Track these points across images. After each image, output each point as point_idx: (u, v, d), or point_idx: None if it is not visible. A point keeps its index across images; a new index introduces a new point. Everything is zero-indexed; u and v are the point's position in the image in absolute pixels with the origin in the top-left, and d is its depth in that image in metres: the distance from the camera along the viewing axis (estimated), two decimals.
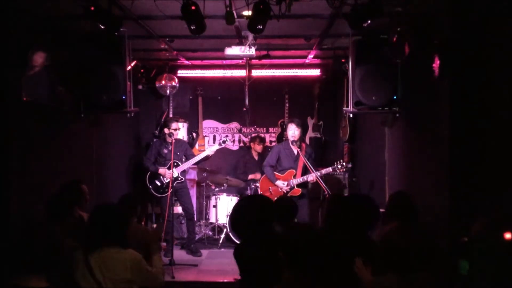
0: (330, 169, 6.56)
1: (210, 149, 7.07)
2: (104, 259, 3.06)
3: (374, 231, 3.93)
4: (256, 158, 8.36)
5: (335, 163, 6.58)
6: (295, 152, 6.73)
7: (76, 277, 3.05)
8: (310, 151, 6.87)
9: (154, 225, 7.42)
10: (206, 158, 7.21)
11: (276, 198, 5.42)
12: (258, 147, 8.34)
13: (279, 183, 6.63)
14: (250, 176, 7.99)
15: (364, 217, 3.53)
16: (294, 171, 6.67)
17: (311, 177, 6.44)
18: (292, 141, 6.67)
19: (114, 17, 4.53)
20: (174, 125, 6.87)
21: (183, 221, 7.52)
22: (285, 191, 6.60)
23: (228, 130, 9.09)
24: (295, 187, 6.61)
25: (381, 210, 3.91)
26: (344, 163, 6.59)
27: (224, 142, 7.11)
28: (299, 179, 6.59)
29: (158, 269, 3.43)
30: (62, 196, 3.98)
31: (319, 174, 6.41)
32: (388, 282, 2.67)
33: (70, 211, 3.80)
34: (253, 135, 8.72)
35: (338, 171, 6.69)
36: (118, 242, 3.13)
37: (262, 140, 8.45)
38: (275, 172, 6.78)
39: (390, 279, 2.67)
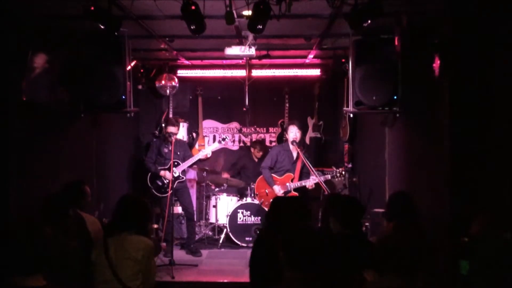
0: (328, 176, 6.57)
1: (210, 147, 7.07)
2: (121, 241, 3.30)
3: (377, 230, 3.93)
4: (256, 160, 8.34)
5: (334, 171, 6.58)
6: (294, 154, 6.74)
7: (92, 257, 3.29)
8: (306, 155, 6.76)
9: (155, 226, 7.40)
10: (206, 158, 7.21)
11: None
12: (258, 154, 8.30)
13: (276, 188, 6.64)
14: (225, 175, 8.05)
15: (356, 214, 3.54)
16: (292, 174, 6.69)
17: (309, 183, 6.45)
18: (293, 141, 6.68)
19: (114, 17, 4.53)
20: (171, 128, 6.76)
21: (183, 221, 7.52)
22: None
23: (228, 130, 9.08)
24: (292, 191, 6.61)
25: (381, 210, 3.92)
26: (343, 172, 6.59)
27: (223, 139, 7.13)
28: (297, 184, 6.58)
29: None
30: (61, 196, 3.97)
31: (317, 180, 6.39)
32: (389, 282, 2.66)
33: (67, 210, 3.78)
34: (253, 139, 8.71)
35: (336, 179, 6.66)
36: (139, 230, 3.35)
37: (263, 147, 8.37)
38: (273, 174, 6.80)
39: (390, 279, 2.66)
